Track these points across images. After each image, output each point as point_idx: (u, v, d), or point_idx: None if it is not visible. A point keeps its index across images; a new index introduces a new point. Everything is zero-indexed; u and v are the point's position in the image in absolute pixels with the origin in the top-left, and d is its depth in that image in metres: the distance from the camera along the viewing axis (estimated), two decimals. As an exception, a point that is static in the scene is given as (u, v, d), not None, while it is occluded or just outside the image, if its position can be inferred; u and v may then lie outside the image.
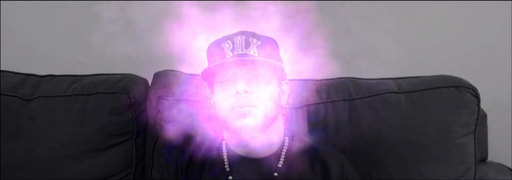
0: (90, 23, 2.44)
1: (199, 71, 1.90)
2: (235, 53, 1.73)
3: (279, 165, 1.79)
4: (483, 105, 2.17)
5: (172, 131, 2.03)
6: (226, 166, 1.80)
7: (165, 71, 2.20)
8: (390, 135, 2.04)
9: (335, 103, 2.08)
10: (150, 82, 2.22)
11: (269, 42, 1.78)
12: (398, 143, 2.04)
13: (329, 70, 2.27)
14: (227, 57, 1.74)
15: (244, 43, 1.74)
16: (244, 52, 1.73)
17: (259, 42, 1.74)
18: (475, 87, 2.10)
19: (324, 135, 2.05)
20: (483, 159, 2.31)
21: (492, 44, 2.43)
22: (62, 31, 2.48)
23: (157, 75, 2.19)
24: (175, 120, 2.05)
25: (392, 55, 2.41)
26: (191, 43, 2.45)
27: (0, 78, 2.18)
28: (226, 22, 2.42)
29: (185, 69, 2.27)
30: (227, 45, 1.76)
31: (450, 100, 2.07)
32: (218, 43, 1.80)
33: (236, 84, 1.70)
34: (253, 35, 1.77)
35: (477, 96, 2.09)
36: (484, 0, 2.38)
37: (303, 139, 1.85)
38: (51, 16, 2.48)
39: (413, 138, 2.04)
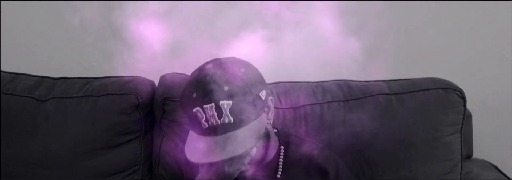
0: (101, 29, 2.45)
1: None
2: (208, 126, 1.57)
3: (278, 176, 1.74)
4: (468, 106, 2.16)
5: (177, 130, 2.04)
6: None
7: (171, 74, 2.19)
8: (382, 134, 2.03)
9: (330, 104, 2.07)
10: (156, 84, 2.21)
11: (239, 92, 1.57)
12: (389, 142, 2.03)
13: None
14: (203, 127, 1.58)
15: (215, 114, 1.56)
16: (218, 123, 1.56)
17: (230, 103, 1.55)
18: (461, 89, 2.10)
19: (320, 133, 2.04)
20: (469, 156, 2.31)
21: (478, 50, 2.42)
22: (75, 36, 2.47)
23: (163, 78, 2.18)
24: (179, 119, 2.05)
25: (385, 58, 2.42)
26: (195, 46, 2.45)
27: (17, 81, 2.18)
28: (233, 23, 2.42)
29: (189, 72, 2.27)
30: (199, 114, 1.57)
31: (438, 101, 2.07)
32: (190, 103, 1.60)
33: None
34: (221, 95, 1.55)
35: (463, 97, 2.09)
36: (468, 1, 2.37)
37: (298, 143, 1.80)
38: (68, 23, 2.48)
39: (403, 136, 2.04)
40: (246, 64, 1.71)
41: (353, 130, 2.03)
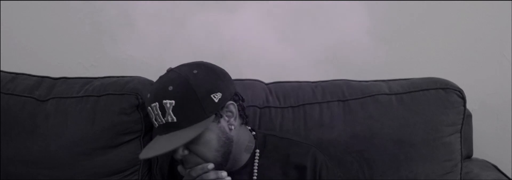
0: (101, 28, 2.46)
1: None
2: (158, 124, 1.65)
3: (254, 177, 1.76)
4: (468, 106, 2.16)
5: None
6: None
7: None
8: (382, 134, 2.03)
9: (329, 103, 2.07)
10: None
11: (182, 91, 1.61)
12: (389, 142, 2.03)
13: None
14: (154, 126, 1.67)
15: (160, 112, 1.62)
16: (163, 122, 1.63)
17: (172, 102, 1.60)
18: (461, 89, 2.09)
19: (319, 133, 2.04)
20: (469, 156, 2.31)
21: (478, 50, 2.41)
22: (75, 36, 2.48)
23: None
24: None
25: (383, 58, 2.43)
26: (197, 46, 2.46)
27: (17, 81, 2.18)
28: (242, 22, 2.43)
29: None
30: (149, 114, 1.66)
31: (438, 101, 2.07)
32: (146, 103, 1.68)
33: (174, 154, 1.67)
34: (164, 94, 1.61)
35: (463, 97, 2.08)
36: (468, 1, 2.37)
37: (276, 143, 1.80)
38: (68, 23, 2.49)
39: (403, 136, 2.03)
40: (205, 67, 1.70)
41: (352, 130, 2.03)
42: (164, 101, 1.61)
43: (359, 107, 2.06)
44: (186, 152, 1.65)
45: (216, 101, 1.63)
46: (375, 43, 2.41)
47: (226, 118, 1.68)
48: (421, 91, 2.09)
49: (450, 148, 2.08)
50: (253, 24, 2.43)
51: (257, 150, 1.78)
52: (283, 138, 1.83)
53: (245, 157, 1.77)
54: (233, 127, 1.69)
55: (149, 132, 2.16)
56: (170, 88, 1.61)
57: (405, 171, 2.04)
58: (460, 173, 2.12)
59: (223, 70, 1.73)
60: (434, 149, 2.05)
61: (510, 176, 2.18)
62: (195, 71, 1.65)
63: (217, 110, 1.65)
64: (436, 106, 2.07)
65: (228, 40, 2.45)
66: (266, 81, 2.21)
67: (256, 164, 1.76)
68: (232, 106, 1.68)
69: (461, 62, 2.43)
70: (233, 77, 2.12)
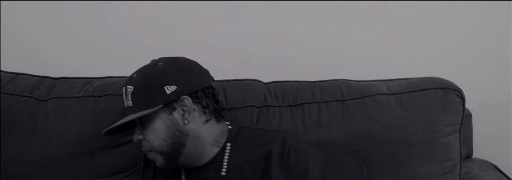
0: (101, 28, 2.47)
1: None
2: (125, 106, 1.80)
3: (223, 173, 1.79)
4: (468, 106, 2.17)
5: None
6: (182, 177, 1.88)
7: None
8: (381, 134, 2.03)
9: (328, 103, 2.07)
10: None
11: (140, 79, 1.77)
12: (388, 142, 2.03)
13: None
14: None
15: (124, 96, 1.79)
16: (125, 105, 1.80)
17: (131, 88, 1.76)
18: (460, 89, 2.09)
19: (317, 132, 2.04)
20: (469, 156, 2.31)
21: (478, 50, 2.42)
22: (75, 36, 2.49)
23: None
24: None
25: (382, 58, 2.44)
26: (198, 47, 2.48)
27: (17, 81, 2.19)
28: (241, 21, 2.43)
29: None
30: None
31: (436, 101, 2.06)
32: None
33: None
34: (129, 80, 1.79)
35: (462, 97, 2.08)
36: (468, 1, 2.38)
37: (248, 135, 1.84)
38: (68, 23, 2.50)
39: (402, 137, 2.03)
40: (172, 61, 1.81)
41: (351, 130, 2.03)
42: (128, 86, 1.77)
43: (358, 107, 2.06)
44: (140, 136, 1.78)
45: (168, 92, 1.73)
46: (375, 43, 2.43)
47: (181, 112, 1.76)
48: (420, 90, 2.08)
49: (449, 148, 2.08)
50: (253, 24, 2.45)
51: (228, 144, 1.82)
52: (257, 129, 1.88)
53: (213, 151, 1.82)
54: (186, 122, 1.76)
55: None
56: (134, 75, 1.78)
57: (404, 171, 2.04)
58: (460, 173, 2.11)
59: (195, 67, 1.84)
60: (433, 149, 2.05)
61: (510, 176, 2.18)
62: (160, 63, 1.78)
63: (167, 101, 1.74)
64: (435, 105, 2.06)
65: (228, 40, 2.47)
66: (266, 81, 2.21)
67: (226, 157, 1.80)
68: (187, 101, 1.75)
69: (461, 62, 2.44)
70: (232, 77, 2.15)
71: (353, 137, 2.03)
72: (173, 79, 1.75)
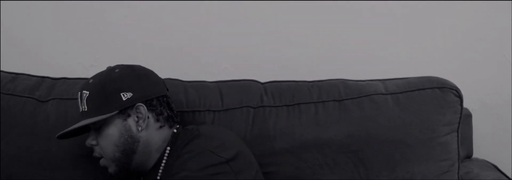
0: (101, 28, 2.48)
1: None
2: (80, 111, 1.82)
3: (158, 177, 1.80)
4: (468, 106, 2.18)
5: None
6: None
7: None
8: (378, 134, 2.02)
9: (325, 103, 2.07)
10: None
11: (96, 85, 1.79)
12: (385, 142, 2.02)
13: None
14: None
15: (79, 101, 1.82)
16: (80, 109, 1.82)
17: (87, 93, 1.78)
18: (458, 88, 2.09)
19: (314, 132, 2.04)
20: (469, 156, 2.31)
21: (478, 50, 2.43)
22: (75, 36, 2.50)
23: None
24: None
25: (382, 58, 2.45)
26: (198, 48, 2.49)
27: (17, 81, 2.19)
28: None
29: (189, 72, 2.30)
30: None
31: (434, 100, 2.06)
32: None
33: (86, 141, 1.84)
34: (85, 85, 1.82)
35: (460, 96, 2.08)
36: (468, 1, 2.39)
37: (187, 138, 1.78)
38: (68, 23, 2.51)
39: (399, 136, 2.03)
40: (129, 69, 1.85)
41: (348, 130, 2.03)
42: (83, 91, 1.80)
43: (355, 107, 2.06)
44: (94, 142, 1.82)
45: (124, 99, 1.76)
46: (375, 43, 2.44)
47: (136, 118, 1.79)
48: (417, 90, 2.09)
49: (447, 147, 2.07)
50: (253, 24, 2.47)
51: (168, 148, 1.81)
52: (192, 129, 1.83)
53: (155, 157, 1.83)
54: (140, 128, 1.78)
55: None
56: (90, 81, 1.81)
57: (401, 171, 2.04)
58: (458, 173, 2.11)
59: (151, 75, 1.88)
60: (431, 148, 2.05)
61: (510, 176, 2.18)
62: (117, 70, 1.81)
63: (122, 108, 1.76)
64: (432, 105, 2.07)
65: (228, 40, 2.48)
66: (266, 81, 2.22)
67: (163, 161, 1.80)
68: (142, 108, 1.78)
69: (461, 62, 2.44)
70: (231, 77, 2.16)
71: (350, 137, 2.03)
72: (129, 86, 1.78)
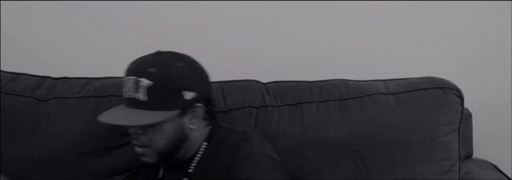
0: (101, 28, 2.49)
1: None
2: (125, 96, 1.72)
3: (190, 170, 1.78)
4: (468, 106, 2.18)
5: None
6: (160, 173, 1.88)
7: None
8: (379, 134, 2.03)
9: (326, 103, 2.08)
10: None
11: (161, 77, 1.68)
12: (386, 141, 2.03)
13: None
14: (124, 97, 1.73)
15: (132, 86, 1.69)
16: (132, 96, 1.69)
17: (149, 82, 1.66)
18: (458, 88, 2.09)
19: (316, 131, 2.04)
20: (469, 156, 2.31)
21: (478, 50, 2.43)
22: (75, 36, 2.50)
23: None
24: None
25: (382, 58, 2.45)
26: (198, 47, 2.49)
27: (17, 81, 2.20)
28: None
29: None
30: (123, 83, 1.73)
31: (435, 100, 2.06)
32: (125, 72, 1.75)
33: (128, 128, 1.75)
34: (145, 73, 1.68)
35: (460, 96, 2.08)
36: (468, 1, 2.39)
37: (224, 138, 1.80)
38: (68, 23, 2.51)
39: (400, 136, 2.03)
40: (190, 63, 1.77)
41: (349, 129, 2.03)
42: (142, 79, 1.67)
43: (356, 107, 2.06)
44: (140, 131, 1.72)
45: (187, 98, 1.70)
46: (375, 43, 2.45)
47: (190, 117, 1.74)
48: (418, 90, 2.09)
49: (448, 147, 2.08)
50: (253, 24, 2.47)
51: (204, 143, 1.81)
52: (229, 130, 1.84)
53: (192, 151, 1.81)
54: (193, 127, 1.75)
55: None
56: (152, 70, 1.68)
57: (402, 171, 2.04)
58: (458, 173, 2.11)
59: (206, 72, 1.80)
60: (432, 148, 2.05)
61: (510, 176, 2.18)
62: (180, 64, 1.72)
63: (185, 107, 1.71)
64: (433, 105, 2.07)
65: (228, 40, 2.48)
66: (266, 81, 2.22)
67: (199, 155, 1.80)
68: (200, 109, 1.75)
69: (461, 62, 2.44)
70: (232, 77, 2.16)
71: (352, 136, 2.04)
72: (193, 85, 1.72)
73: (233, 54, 2.47)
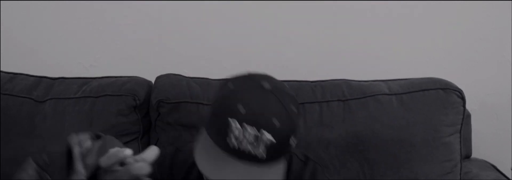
0: (101, 28, 2.48)
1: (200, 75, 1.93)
2: (237, 147, 1.39)
3: None
4: (468, 106, 2.16)
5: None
6: None
7: (167, 75, 2.19)
8: (382, 134, 2.03)
9: (329, 103, 2.08)
10: (155, 84, 2.20)
11: (285, 133, 1.40)
12: (389, 142, 2.03)
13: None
14: (230, 146, 1.40)
15: (251, 141, 1.38)
16: (251, 152, 1.39)
17: (274, 141, 1.38)
18: (460, 90, 2.09)
19: (319, 132, 2.05)
20: (468, 156, 2.31)
21: (478, 50, 2.43)
22: (75, 36, 2.49)
23: (159, 79, 2.18)
24: (174, 122, 2.07)
25: (382, 58, 2.45)
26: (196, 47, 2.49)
27: (15, 81, 2.19)
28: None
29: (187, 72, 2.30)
30: (233, 131, 1.39)
31: (437, 101, 2.07)
32: (232, 110, 1.41)
33: None
34: (268, 126, 1.38)
35: (462, 97, 2.08)
36: (468, 1, 2.38)
37: (303, 162, 1.71)
38: (68, 23, 2.51)
39: (403, 136, 2.04)
40: (295, 102, 1.49)
41: (353, 130, 2.04)
42: (266, 134, 1.38)
43: (360, 107, 2.06)
44: None
45: (293, 145, 1.47)
46: (375, 43, 2.44)
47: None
48: (421, 91, 2.09)
49: (450, 148, 2.09)
50: (253, 24, 2.46)
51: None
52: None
53: None
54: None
55: (146, 133, 2.17)
56: (276, 123, 1.39)
57: (405, 171, 2.05)
58: (460, 174, 2.12)
59: None
60: (434, 149, 2.06)
61: (509, 176, 2.18)
62: (293, 108, 1.45)
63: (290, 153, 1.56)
64: (435, 106, 2.07)
65: (228, 40, 2.48)
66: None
67: None
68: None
69: (461, 62, 2.44)
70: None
71: (355, 136, 2.04)
72: (298, 130, 1.48)
73: (233, 54, 2.46)
